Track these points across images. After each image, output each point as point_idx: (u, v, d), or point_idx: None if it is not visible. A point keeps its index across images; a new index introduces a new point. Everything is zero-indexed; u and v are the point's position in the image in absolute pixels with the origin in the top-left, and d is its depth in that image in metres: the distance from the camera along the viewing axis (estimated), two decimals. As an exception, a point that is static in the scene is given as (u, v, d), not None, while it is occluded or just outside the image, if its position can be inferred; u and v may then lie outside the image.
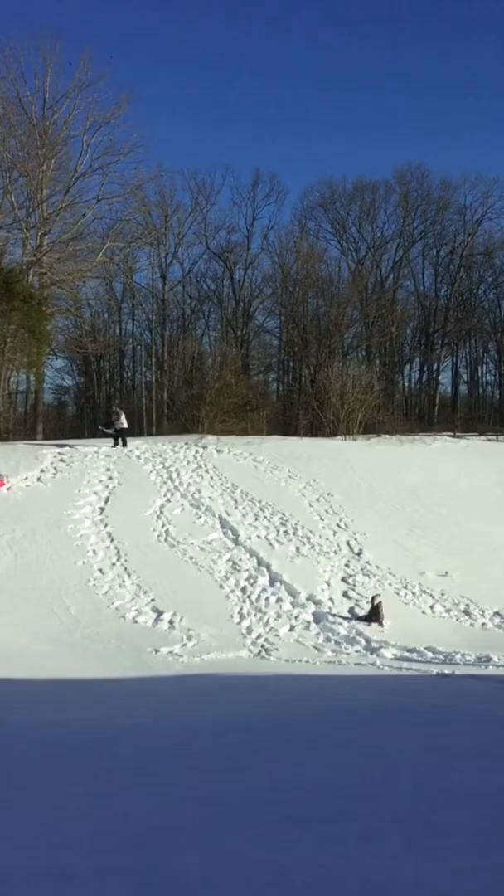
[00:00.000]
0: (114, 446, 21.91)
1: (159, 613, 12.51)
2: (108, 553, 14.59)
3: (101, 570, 13.88)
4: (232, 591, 13.60)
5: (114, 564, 14.17)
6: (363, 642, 12.03)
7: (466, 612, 13.43)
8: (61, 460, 19.85)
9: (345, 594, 13.85)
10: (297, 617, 12.92)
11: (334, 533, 16.35)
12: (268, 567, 14.45)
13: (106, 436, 22.67)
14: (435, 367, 50.90)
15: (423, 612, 13.43)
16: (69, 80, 33.29)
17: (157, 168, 42.00)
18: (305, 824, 3.39)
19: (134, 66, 71.30)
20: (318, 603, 13.38)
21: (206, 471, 19.53)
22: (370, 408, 32.69)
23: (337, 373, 33.53)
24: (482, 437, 32.69)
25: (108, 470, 19.14)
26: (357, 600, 13.57)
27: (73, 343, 40.77)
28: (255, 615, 12.81)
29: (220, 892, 2.66)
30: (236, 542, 15.47)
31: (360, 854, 2.99)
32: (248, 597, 13.42)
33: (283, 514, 16.87)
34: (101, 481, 18.25)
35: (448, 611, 13.50)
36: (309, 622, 12.81)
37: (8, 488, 17.18)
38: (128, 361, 50.95)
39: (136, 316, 49.24)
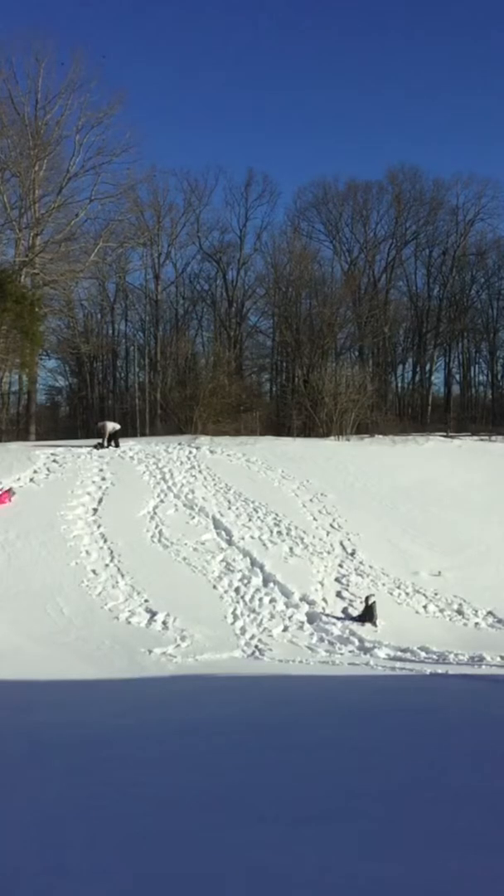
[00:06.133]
0: (96, 447, 21.64)
1: (153, 614, 12.50)
2: (102, 554, 14.57)
3: (94, 571, 13.86)
4: (225, 591, 13.59)
5: (107, 565, 14.15)
6: (357, 642, 12.05)
7: (459, 612, 13.47)
8: (54, 461, 19.81)
9: (338, 594, 13.87)
10: (290, 617, 12.93)
11: (328, 533, 16.36)
12: (261, 567, 14.45)
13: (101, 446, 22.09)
14: (428, 367, 51.10)
15: (417, 612, 13.45)
16: (61, 79, 33.42)
17: (150, 168, 41.97)
18: (302, 824, 3.39)
19: (126, 66, 71.24)
20: (311, 603, 13.39)
21: (200, 471, 19.52)
22: (363, 408, 32.76)
23: (330, 373, 33.59)
24: (475, 437, 32.78)
25: (101, 471, 19.10)
26: (350, 600, 13.59)
27: (66, 344, 40.74)
28: (248, 615, 12.81)
29: (217, 892, 2.66)
30: (230, 542, 15.47)
31: (357, 854, 2.99)
32: (242, 597, 13.42)
33: (277, 515, 16.87)
34: (94, 482, 18.21)
35: (441, 610, 13.52)
36: (302, 622, 12.82)
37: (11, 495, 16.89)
38: (121, 362, 50.88)
39: (129, 316, 49.24)
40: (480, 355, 54.40)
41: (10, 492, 16.85)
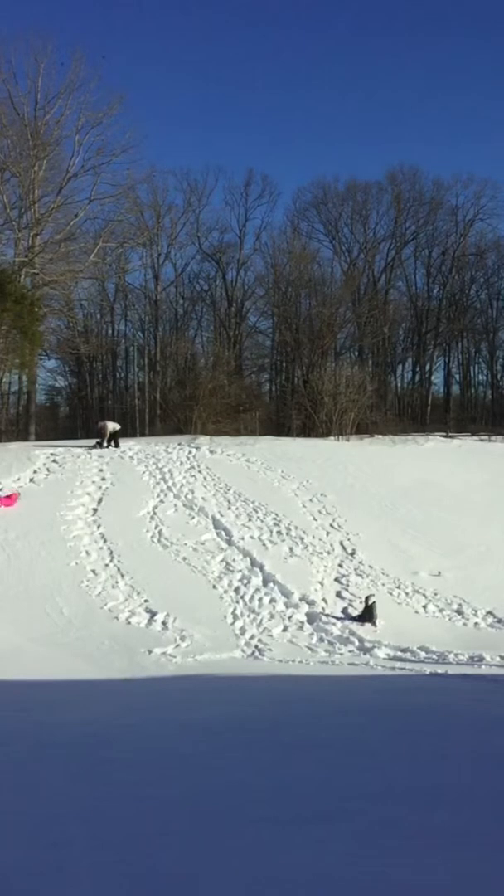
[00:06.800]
0: (94, 446, 21.65)
1: (152, 614, 12.50)
2: (102, 554, 14.57)
3: (94, 571, 13.85)
4: (225, 591, 13.59)
5: (107, 565, 14.15)
6: (356, 642, 12.05)
7: (459, 612, 13.47)
8: (54, 461, 19.80)
9: (338, 594, 13.86)
10: (290, 617, 12.93)
11: (327, 533, 16.36)
12: (261, 567, 14.45)
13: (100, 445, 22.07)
14: (427, 367, 51.09)
15: (416, 612, 13.45)
16: (61, 80, 33.41)
17: (150, 168, 42.01)
18: (301, 824, 3.39)
19: (126, 66, 71.19)
20: (311, 603, 13.39)
21: (199, 471, 19.52)
22: (363, 408, 32.76)
23: (330, 373, 33.59)
24: (475, 437, 32.81)
25: (101, 471, 19.10)
26: (350, 600, 13.59)
27: (66, 344, 40.72)
28: (248, 616, 12.81)
29: (216, 892, 2.66)
30: (229, 542, 15.46)
31: (356, 855, 3.00)
32: (242, 597, 13.42)
33: (277, 515, 16.87)
34: (93, 482, 18.21)
35: (441, 610, 13.53)
36: (302, 622, 12.82)
37: (12, 496, 16.83)
38: (120, 362, 50.87)
39: (129, 316, 49.22)
40: (480, 355, 54.50)
41: (16, 494, 16.83)
